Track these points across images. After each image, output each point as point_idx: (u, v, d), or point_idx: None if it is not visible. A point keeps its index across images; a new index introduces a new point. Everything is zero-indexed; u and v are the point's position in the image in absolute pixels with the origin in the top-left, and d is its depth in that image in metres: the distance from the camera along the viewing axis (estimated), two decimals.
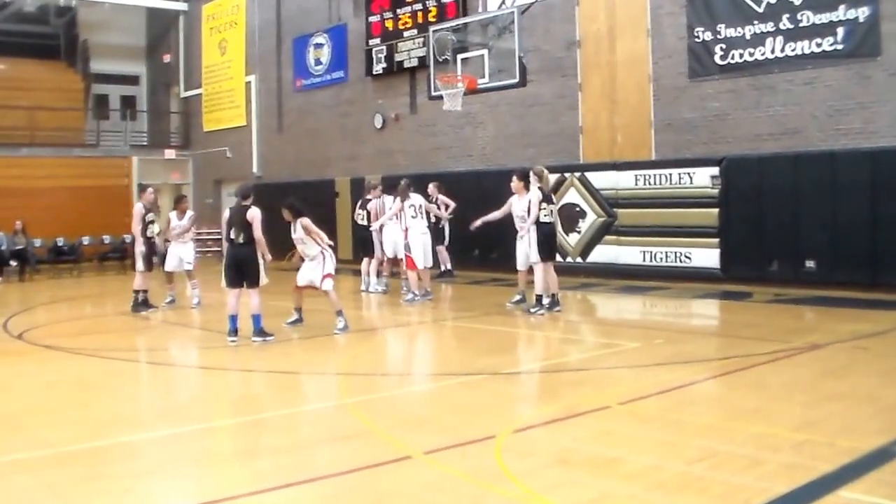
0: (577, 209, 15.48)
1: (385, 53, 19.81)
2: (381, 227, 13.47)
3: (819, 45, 12.69)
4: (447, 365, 8.78)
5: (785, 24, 13.02)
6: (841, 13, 12.42)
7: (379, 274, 14.28)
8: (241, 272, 9.47)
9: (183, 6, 27.31)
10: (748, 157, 13.38)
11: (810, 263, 12.55)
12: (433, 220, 14.04)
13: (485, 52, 15.07)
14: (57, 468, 5.06)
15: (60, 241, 22.23)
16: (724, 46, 13.80)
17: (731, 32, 13.70)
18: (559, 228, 13.42)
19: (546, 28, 16.39)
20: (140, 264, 12.44)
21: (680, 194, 14.02)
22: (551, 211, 11.12)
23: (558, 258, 12.84)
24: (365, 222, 14.10)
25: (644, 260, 14.60)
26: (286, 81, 23.40)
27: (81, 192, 23.45)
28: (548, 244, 11.08)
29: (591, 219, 15.36)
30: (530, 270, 11.32)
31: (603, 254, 15.22)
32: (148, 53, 29.30)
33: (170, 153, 26.61)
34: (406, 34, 19.25)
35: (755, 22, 13.37)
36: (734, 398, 6.46)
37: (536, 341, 10.05)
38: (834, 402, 6.17)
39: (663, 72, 14.72)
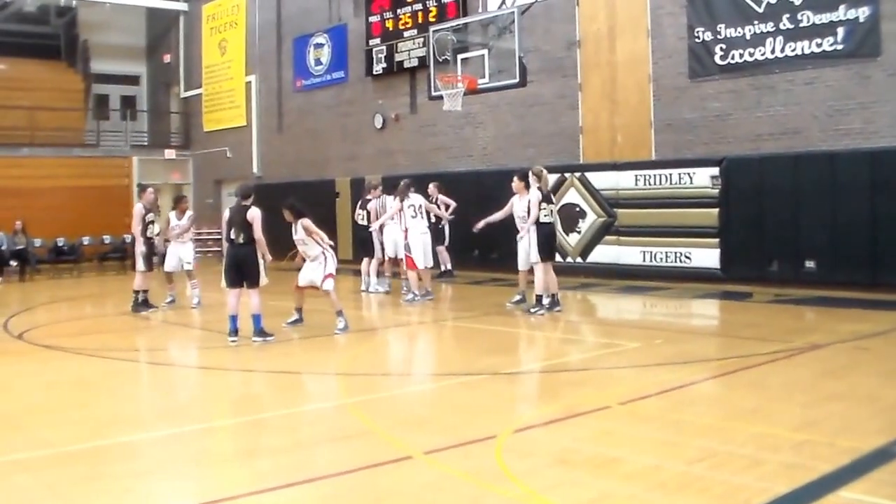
0: (578, 209, 15.47)
1: (385, 53, 19.81)
2: (381, 227, 13.48)
3: (819, 45, 12.69)
4: (447, 365, 8.78)
5: (785, 24, 13.02)
6: (841, 13, 12.42)
7: (380, 274, 14.28)
8: (242, 272, 9.46)
9: (183, 6, 27.31)
10: (748, 158, 13.38)
11: (810, 263, 12.55)
12: (433, 220, 14.04)
13: (485, 52, 15.06)
14: (57, 468, 5.06)
15: (61, 241, 22.22)
16: (724, 46, 13.80)
17: (731, 32, 13.70)
18: (559, 228, 13.43)
19: (546, 28, 16.39)
20: (140, 264, 12.44)
21: (680, 194, 14.01)
22: (551, 211, 11.13)
23: (558, 258, 12.85)
24: (365, 222, 14.10)
25: (644, 260, 14.59)
26: (286, 81, 23.40)
27: (81, 192, 23.44)
28: (548, 244, 11.10)
29: (591, 219, 15.35)
30: (531, 270, 11.34)
31: (603, 254, 15.22)
32: (148, 53, 29.31)
33: (170, 153, 26.61)
34: (406, 34, 19.25)
35: (755, 22, 13.37)
36: (734, 398, 6.45)
37: (537, 341, 10.05)
38: (834, 402, 6.17)
39: (663, 72, 14.72)
